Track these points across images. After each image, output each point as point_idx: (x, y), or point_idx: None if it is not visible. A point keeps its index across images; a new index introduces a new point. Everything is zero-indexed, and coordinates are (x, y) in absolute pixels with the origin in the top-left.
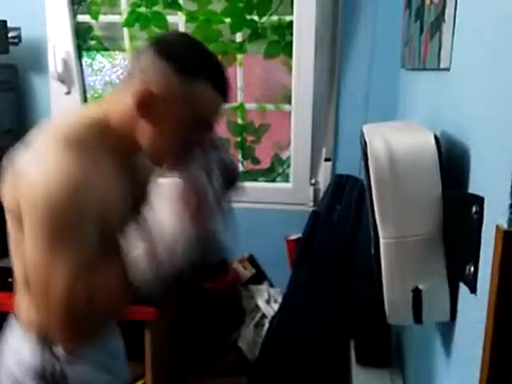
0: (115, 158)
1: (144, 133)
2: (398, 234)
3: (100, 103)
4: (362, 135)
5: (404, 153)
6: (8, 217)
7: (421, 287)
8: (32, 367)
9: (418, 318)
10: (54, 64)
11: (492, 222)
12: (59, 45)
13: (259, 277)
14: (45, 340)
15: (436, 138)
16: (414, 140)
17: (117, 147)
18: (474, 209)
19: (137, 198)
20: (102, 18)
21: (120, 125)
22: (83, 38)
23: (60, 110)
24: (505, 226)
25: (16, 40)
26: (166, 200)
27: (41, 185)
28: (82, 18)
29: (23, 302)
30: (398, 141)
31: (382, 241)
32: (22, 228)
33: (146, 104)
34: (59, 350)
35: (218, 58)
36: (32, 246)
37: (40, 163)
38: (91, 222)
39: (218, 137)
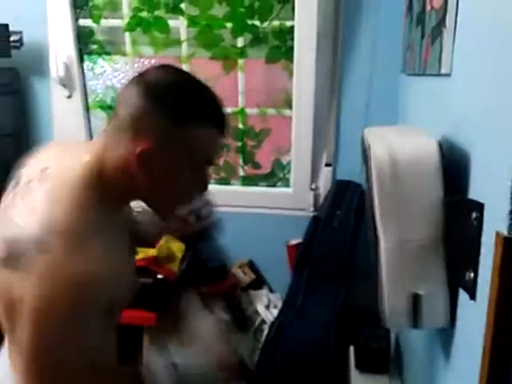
0: (110, 212)
1: (145, 186)
2: (398, 239)
3: (93, 152)
4: (364, 139)
5: (406, 157)
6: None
7: (420, 292)
8: None
9: (416, 323)
10: (56, 68)
11: (492, 228)
12: (61, 49)
13: (259, 282)
14: None
15: (439, 143)
16: (417, 145)
17: (111, 201)
18: (474, 215)
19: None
20: (103, 22)
21: (116, 178)
22: (85, 42)
23: (61, 114)
24: (505, 232)
25: (18, 44)
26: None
27: (48, 283)
28: (83, 22)
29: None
30: (400, 145)
31: (382, 245)
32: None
33: (146, 159)
34: None
35: (211, 90)
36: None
37: (45, 260)
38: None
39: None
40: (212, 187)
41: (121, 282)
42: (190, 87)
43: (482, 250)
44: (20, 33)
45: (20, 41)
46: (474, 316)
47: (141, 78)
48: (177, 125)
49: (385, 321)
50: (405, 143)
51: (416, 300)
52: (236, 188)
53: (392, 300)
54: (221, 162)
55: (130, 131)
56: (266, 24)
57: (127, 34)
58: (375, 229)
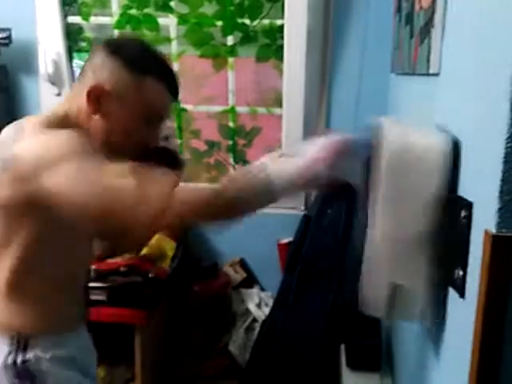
0: None
1: (98, 129)
2: (388, 236)
3: (60, 105)
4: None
5: (418, 150)
6: None
7: (402, 284)
8: (6, 367)
9: (391, 312)
10: (45, 65)
11: (481, 226)
12: (50, 46)
13: (250, 280)
14: (18, 342)
15: (454, 143)
16: (429, 139)
17: None
18: (463, 213)
19: None
20: (93, 19)
21: (78, 125)
22: (74, 40)
23: None
24: (493, 230)
25: (6, 41)
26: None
27: (50, 142)
28: (72, 19)
29: None
30: (413, 136)
31: (373, 234)
32: (16, 221)
33: (97, 100)
34: (32, 353)
35: (166, 57)
36: (76, 186)
37: (37, 140)
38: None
39: (166, 126)
40: (203, 186)
41: None
42: (149, 49)
43: (471, 248)
44: (8, 30)
45: (8, 38)
46: (463, 314)
47: (106, 41)
48: (130, 74)
49: (365, 307)
50: (418, 135)
51: (396, 291)
52: None
53: (373, 287)
54: (211, 160)
55: (90, 79)
56: (255, 22)
57: (116, 31)
58: (365, 227)
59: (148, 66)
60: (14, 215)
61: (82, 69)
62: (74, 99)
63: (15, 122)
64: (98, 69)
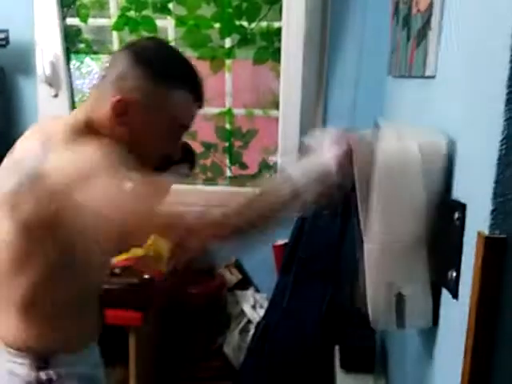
0: None
1: (122, 139)
2: (382, 239)
3: (81, 110)
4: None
5: (391, 157)
6: (16, 234)
7: (404, 292)
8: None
9: (400, 322)
10: (42, 67)
11: (474, 228)
12: (47, 47)
13: (245, 282)
14: (39, 362)
15: (419, 146)
16: (401, 145)
17: None
18: (456, 215)
19: None
20: (91, 21)
21: (102, 131)
22: (72, 41)
23: (47, 113)
24: (486, 232)
25: (4, 42)
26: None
27: (82, 158)
28: (71, 20)
29: (17, 326)
30: (386, 145)
31: (366, 245)
32: (34, 245)
33: (122, 111)
34: (50, 373)
35: (192, 64)
36: (108, 201)
37: (69, 153)
38: None
39: None
40: (199, 188)
41: None
42: (173, 55)
43: (464, 250)
44: (6, 31)
45: (6, 39)
46: (456, 314)
47: (130, 45)
48: (157, 85)
49: (370, 320)
50: (390, 143)
51: (400, 300)
52: (223, 188)
53: (376, 300)
54: (208, 162)
55: (114, 89)
56: (253, 25)
57: (115, 33)
58: (360, 230)
59: (176, 77)
60: (33, 238)
61: (105, 73)
62: (95, 107)
63: (35, 127)
64: (123, 78)
